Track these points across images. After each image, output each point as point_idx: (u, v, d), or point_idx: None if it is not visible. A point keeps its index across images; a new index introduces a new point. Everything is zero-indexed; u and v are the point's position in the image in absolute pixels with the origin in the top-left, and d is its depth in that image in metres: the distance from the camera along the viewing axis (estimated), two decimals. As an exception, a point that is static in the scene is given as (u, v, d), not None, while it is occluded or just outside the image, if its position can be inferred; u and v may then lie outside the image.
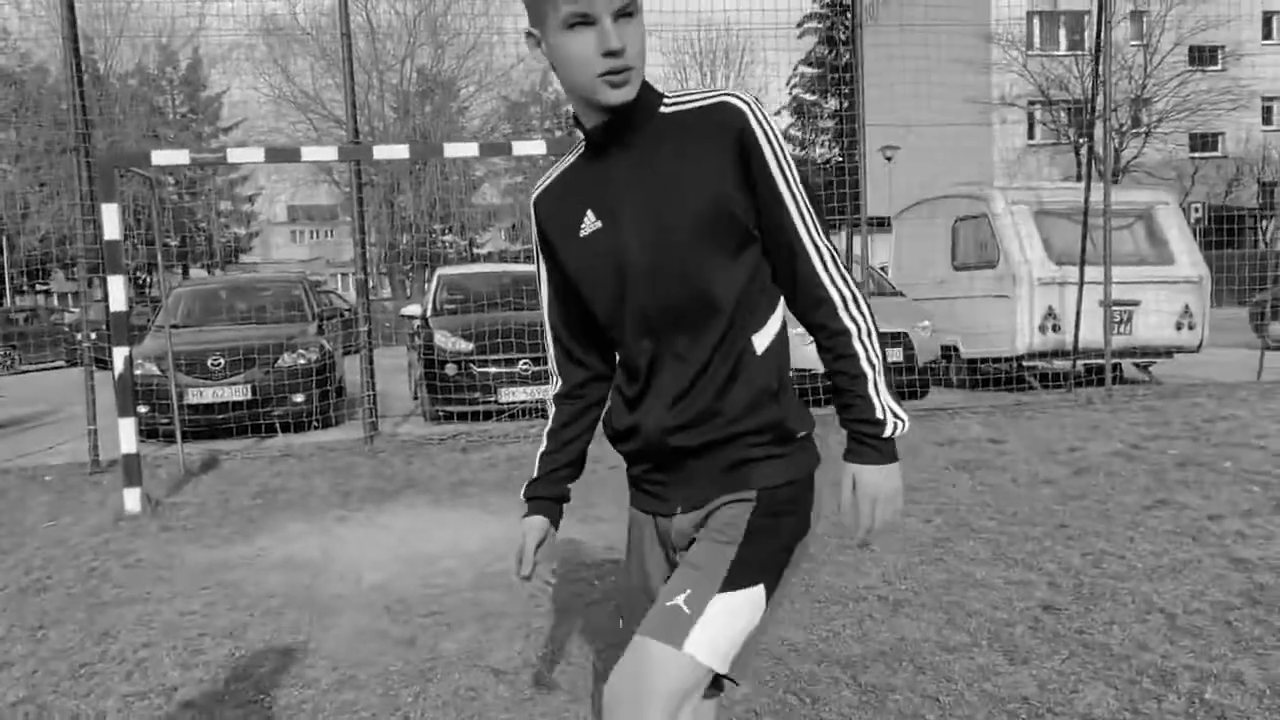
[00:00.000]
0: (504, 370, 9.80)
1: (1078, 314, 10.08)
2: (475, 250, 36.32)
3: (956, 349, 11.57)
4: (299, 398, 9.78)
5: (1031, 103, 33.84)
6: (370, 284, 8.78)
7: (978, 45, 30.02)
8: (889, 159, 28.07)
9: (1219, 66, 34.40)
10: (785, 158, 1.64)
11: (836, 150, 38.05)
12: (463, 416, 9.88)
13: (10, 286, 37.06)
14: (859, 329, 1.68)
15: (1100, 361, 10.23)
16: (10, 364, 21.76)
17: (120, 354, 6.50)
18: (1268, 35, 35.85)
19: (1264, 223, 30.57)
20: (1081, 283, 10.01)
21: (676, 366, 1.69)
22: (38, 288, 40.72)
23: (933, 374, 11.22)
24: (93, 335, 8.49)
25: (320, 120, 32.38)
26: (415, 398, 11.25)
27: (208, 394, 9.58)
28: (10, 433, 11.02)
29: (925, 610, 3.93)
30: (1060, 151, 33.18)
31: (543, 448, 1.95)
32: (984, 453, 7.27)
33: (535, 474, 1.95)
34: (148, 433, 9.08)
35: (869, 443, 1.69)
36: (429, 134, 32.60)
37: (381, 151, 7.17)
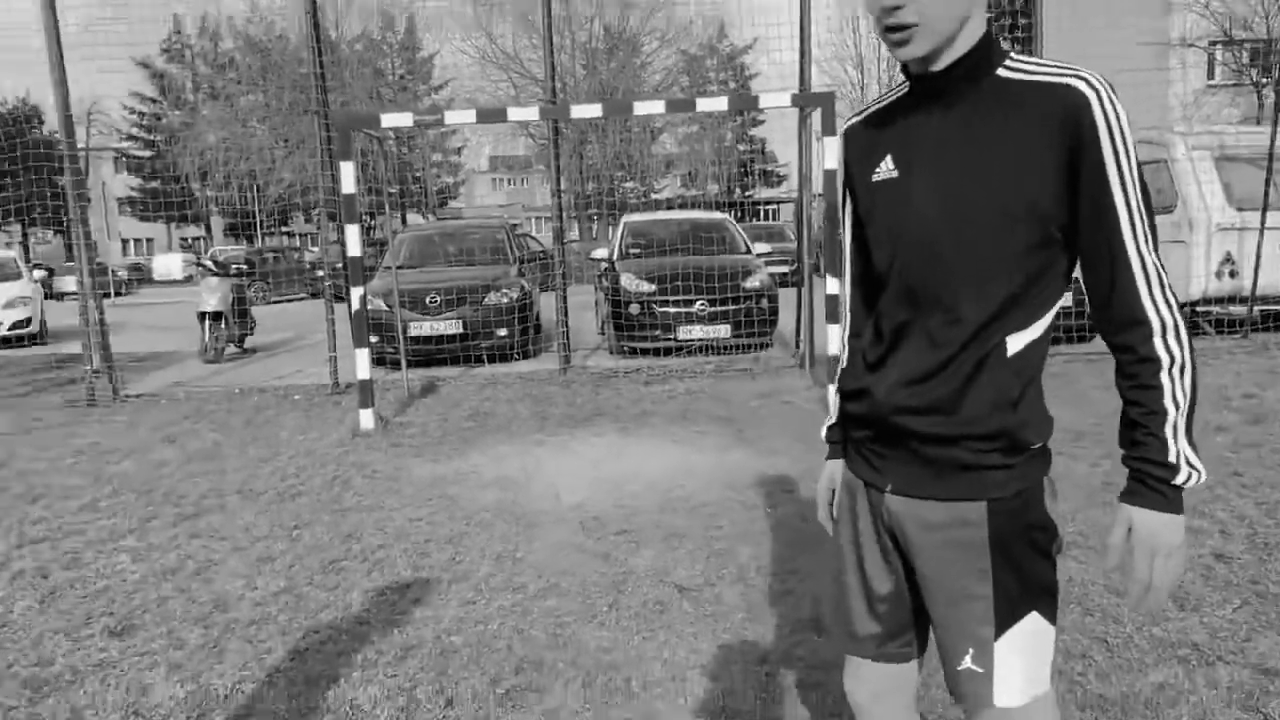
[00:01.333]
0: (682, 310, 9.84)
1: (1257, 259, 9.22)
2: (653, 196, 36.36)
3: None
4: (503, 332, 10.16)
5: (1212, 43, 30.69)
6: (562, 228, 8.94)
7: (1157, -15, 27.41)
8: (1061, 103, 26.15)
9: None
10: (1128, 159, 1.37)
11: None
12: (644, 352, 10.02)
13: (261, 230, 39.87)
14: (1173, 361, 1.40)
15: (1279, 308, 9.36)
16: (263, 296, 23.49)
17: (356, 293, 6.89)
18: None
19: None
20: (1263, 228, 9.14)
21: (924, 345, 1.49)
22: (281, 230, 43.75)
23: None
24: (330, 273, 9.02)
25: (519, 78, 32.95)
26: (601, 333, 11.47)
27: (425, 327, 10.07)
28: (264, 357, 11.93)
29: (1094, 553, 3.74)
30: (1241, 93, 30.05)
31: (837, 387, 1.78)
32: (1153, 398, 6.78)
33: (833, 418, 1.78)
34: (376, 360, 9.63)
35: (1154, 486, 1.41)
36: (614, 89, 32.63)
37: (578, 111, 7.20)
